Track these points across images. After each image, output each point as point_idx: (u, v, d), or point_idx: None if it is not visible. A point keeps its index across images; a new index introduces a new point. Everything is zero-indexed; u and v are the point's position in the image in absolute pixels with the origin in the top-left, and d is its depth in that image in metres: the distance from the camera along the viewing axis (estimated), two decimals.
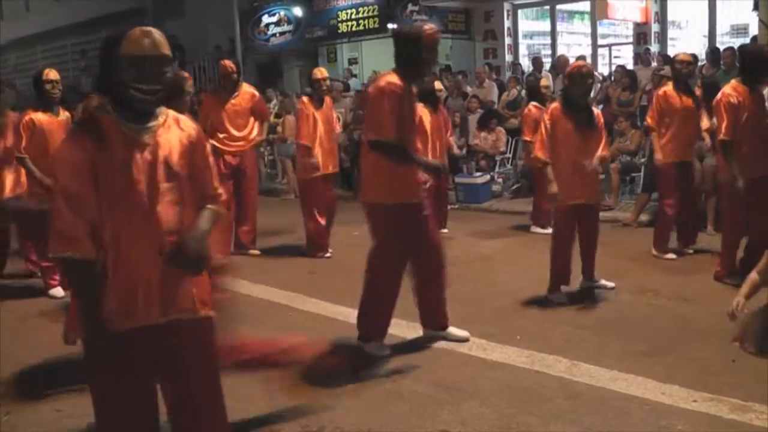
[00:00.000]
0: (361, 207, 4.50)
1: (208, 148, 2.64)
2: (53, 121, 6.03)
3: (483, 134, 10.74)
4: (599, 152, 5.30)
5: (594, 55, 14.27)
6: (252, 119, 7.17)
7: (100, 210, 2.34)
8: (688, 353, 4.28)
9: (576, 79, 5.20)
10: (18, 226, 6.49)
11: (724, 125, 5.43)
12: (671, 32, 13.78)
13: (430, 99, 7.17)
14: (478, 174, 10.19)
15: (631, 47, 13.85)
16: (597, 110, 5.53)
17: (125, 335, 2.38)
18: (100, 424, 2.53)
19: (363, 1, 15.94)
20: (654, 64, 11.50)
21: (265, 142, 10.92)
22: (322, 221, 7.15)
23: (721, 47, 10.91)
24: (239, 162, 7.07)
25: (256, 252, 7.33)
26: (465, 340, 4.59)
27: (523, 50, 15.61)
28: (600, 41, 14.45)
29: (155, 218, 2.39)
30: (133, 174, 2.36)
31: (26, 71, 27.11)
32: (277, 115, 12.41)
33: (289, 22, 17.50)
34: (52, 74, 6.06)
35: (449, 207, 8.59)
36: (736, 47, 10.02)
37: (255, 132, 7.21)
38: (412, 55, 4.22)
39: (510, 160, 10.91)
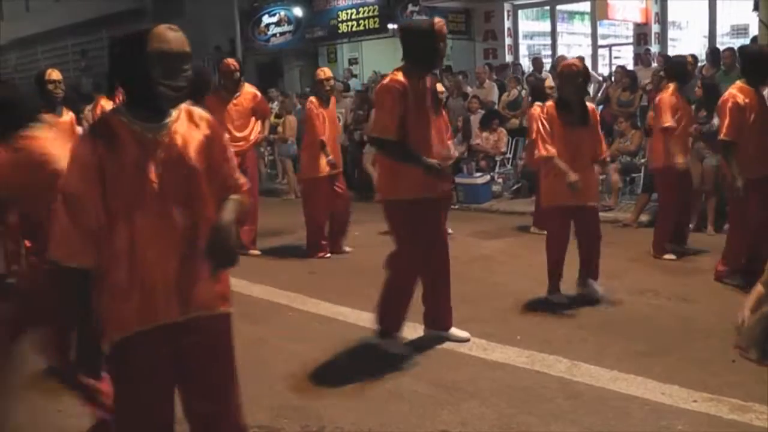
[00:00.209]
0: (361, 207, 4.50)
1: (225, 138, 2.59)
2: (57, 122, 6.03)
3: (484, 134, 10.75)
4: (600, 156, 5.29)
5: (594, 56, 14.28)
6: (253, 119, 7.18)
7: (111, 213, 2.31)
8: (688, 353, 4.28)
9: (566, 78, 5.16)
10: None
11: (725, 125, 5.41)
12: (671, 33, 13.78)
13: (434, 100, 7.17)
14: (479, 174, 10.19)
15: (631, 48, 13.86)
16: (592, 106, 5.43)
17: (143, 336, 2.37)
18: (119, 425, 2.53)
19: (363, 2, 15.96)
20: (654, 64, 11.50)
21: (265, 141, 10.94)
22: (325, 221, 7.16)
23: (721, 48, 10.91)
24: (240, 162, 7.02)
25: (257, 252, 7.33)
26: (466, 340, 4.60)
27: (523, 50, 15.61)
28: (600, 42, 14.46)
29: (173, 216, 2.37)
30: (148, 173, 2.33)
31: (26, 71, 27.14)
32: (278, 115, 12.41)
33: (289, 22, 17.52)
34: (54, 74, 6.06)
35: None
36: (736, 48, 10.04)
37: (256, 132, 7.22)
38: (426, 48, 4.22)
39: (510, 161, 10.92)
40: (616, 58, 14.38)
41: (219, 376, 2.57)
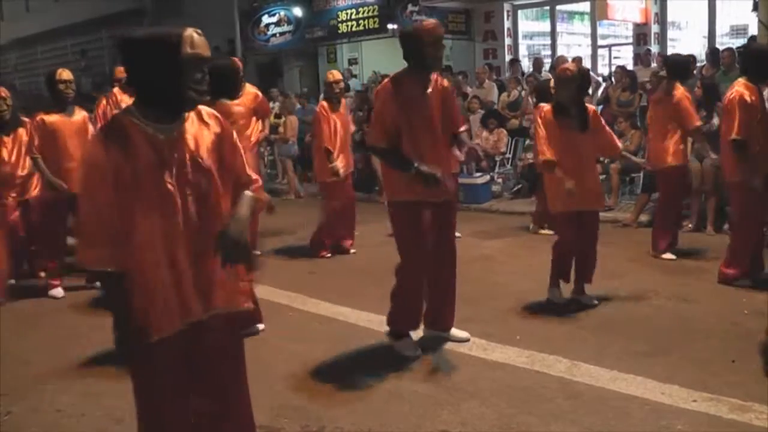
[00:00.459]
0: (365, 207, 4.51)
1: (235, 136, 2.59)
2: (66, 122, 6.04)
3: (484, 134, 10.75)
4: (614, 154, 5.25)
5: (594, 56, 14.29)
6: (254, 119, 7.18)
7: (128, 215, 2.32)
8: (688, 353, 4.28)
9: (561, 83, 5.09)
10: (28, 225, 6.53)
11: (737, 124, 5.34)
12: (671, 33, 13.79)
13: (442, 102, 7.24)
14: (479, 174, 10.19)
15: (630, 48, 13.87)
16: (592, 107, 5.34)
17: (163, 340, 2.38)
18: (141, 419, 2.53)
19: (363, 2, 15.95)
20: (654, 65, 11.51)
21: (265, 141, 10.93)
22: (337, 222, 7.21)
23: (721, 48, 10.91)
24: None
25: (257, 252, 7.33)
26: (465, 340, 4.60)
27: (523, 51, 15.61)
28: (600, 42, 14.46)
29: (189, 216, 2.39)
30: (162, 174, 2.35)
31: (26, 71, 27.20)
32: (277, 116, 12.41)
33: (289, 22, 17.51)
34: (65, 74, 6.08)
35: None
36: (735, 48, 10.05)
37: (256, 132, 7.21)
38: (417, 52, 4.19)
39: (510, 161, 10.92)
40: (615, 58, 14.39)
41: (230, 374, 2.59)
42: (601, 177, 9.03)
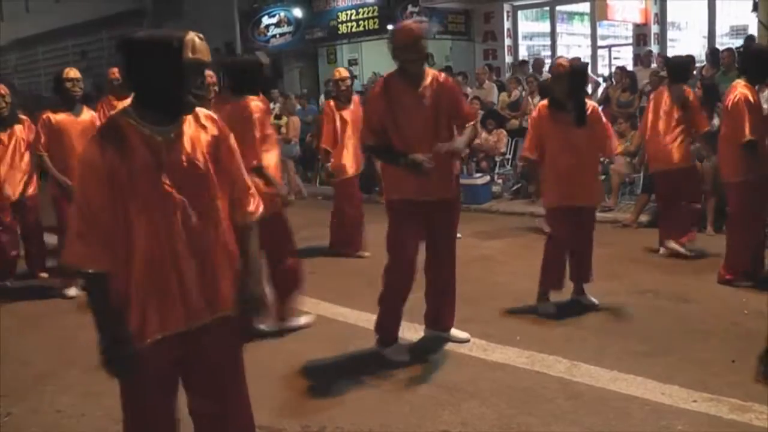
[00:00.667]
0: (367, 208, 4.50)
1: (232, 141, 2.57)
2: (73, 121, 6.04)
3: (484, 135, 10.75)
4: (609, 154, 5.20)
5: (594, 56, 14.29)
6: None
7: (125, 218, 2.30)
8: (688, 353, 4.28)
9: (554, 78, 5.08)
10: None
11: (747, 125, 5.32)
12: (671, 33, 13.79)
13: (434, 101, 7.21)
14: (478, 175, 10.20)
15: (630, 48, 13.87)
16: (593, 104, 5.24)
17: (158, 343, 2.37)
18: (127, 423, 2.52)
19: (363, 2, 15.97)
20: (654, 65, 11.51)
21: None
22: (350, 221, 7.21)
23: (721, 48, 10.92)
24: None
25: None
26: (466, 341, 4.59)
27: (522, 51, 15.62)
28: (600, 42, 14.46)
29: (187, 218, 2.38)
30: (159, 177, 2.34)
31: (26, 72, 27.20)
32: (277, 116, 12.41)
33: (289, 23, 17.52)
34: (72, 73, 6.09)
35: None
36: (735, 48, 10.05)
37: None
38: (393, 55, 4.20)
39: (510, 161, 10.92)
40: (615, 58, 14.39)
41: (230, 375, 2.59)
42: (602, 177, 9.11)
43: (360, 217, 7.25)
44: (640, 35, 13.49)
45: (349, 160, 7.04)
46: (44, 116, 6.07)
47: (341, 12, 16.40)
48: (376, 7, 15.67)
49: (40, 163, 6.15)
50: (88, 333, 2.35)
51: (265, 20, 17.89)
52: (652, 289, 5.65)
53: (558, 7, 14.96)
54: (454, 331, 4.64)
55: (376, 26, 15.51)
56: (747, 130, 5.33)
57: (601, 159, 8.95)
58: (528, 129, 5.25)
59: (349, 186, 7.18)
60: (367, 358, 4.43)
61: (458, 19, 15.50)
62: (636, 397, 3.74)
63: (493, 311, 5.23)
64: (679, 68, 6.68)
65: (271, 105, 12.06)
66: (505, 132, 10.80)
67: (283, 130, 12.13)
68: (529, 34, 15.86)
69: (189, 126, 2.43)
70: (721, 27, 13.14)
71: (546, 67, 12.76)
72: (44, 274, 6.61)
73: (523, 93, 11.29)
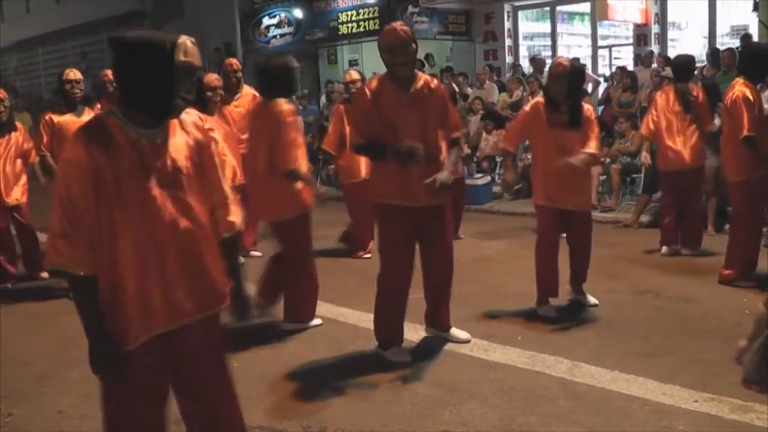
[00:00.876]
0: None
1: (213, 147, 2.59)
2: (76, 122, 6.04)
3: (483, 135, 10.75)
4: (585, 149, 4.89)
5: (594, 56, 14.29)
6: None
7: (109, 220, 2.28)
8: (689, 354, 4.28)
9: (553, 77, 4.98)
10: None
11: (745, 122, 5.33)
12: (671, 33, 13.80)
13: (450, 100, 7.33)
14: (479, 175, 10.19)
15: (631, 48, 13.87)
16: (588, 107, 5.14)
17: (144, 345, 2.36)
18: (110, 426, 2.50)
19: (363, 3, 15.97)
20: (654, 65, 11.52)
21: None
22: (362, 224, 7.21)
23: (721, 48, 10.92)
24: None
25: (258, 254, 7.32)
26: (466, 341, 4.59)
27: (523, 51, 15.62)
28: (600, 42, 14.47)
29: (174, 220, 2.37)
30: (146, 179, 2.32)
31: (27, 73, 27.21)
32: None
33: (289, 23, 17.53)
34: (72, 74, 6.13)
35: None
36: (735, 48, 10.05)
37: None
38: (381, 58, 4.17)
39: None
40: (616, 58, 14.40)
41: (218, 376, 2.58)
42: (602, 177, 9.12)
43: (370, 220, 7.26)
44: (641, 35, 13.49)
45: (362, 163, 7.03)
46: (46, 117, 6.16)
47: (342, 13, 16.41)
48: (376, 8, 15.68)
49: (43, 163, 6.19)
50: None
51: (266, 21, 17.90)
52: (653, 289, 5.65)
53: (558, 8, 14.98)
54: (455, 331, 4.64)
55: (377, 27, 15.50)
56: (745, 126, 5.34)
57: (602, 159, 9.08)
58: (515, 120, 5.19)
59: (362, 189, 7.15)
60: (367, 358, 4.43)
61: (459, 20, 15.51)
62: (637, 397, 3.74)
63: (494, 312, 5.23)
64: (685, 67, 6.69)
65: None
66: (505, 133, 10.79)
67: None
68: (529, 34, 15.87)
69: (174, 129, 2.43)
70: (722, 27, 13.14)
71: (547, 68, 12.79)
72: (45, 275, 6.62)
73: (524, 93, 11.29)
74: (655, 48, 13.12)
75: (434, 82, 4.31)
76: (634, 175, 9.23)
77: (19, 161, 6.41)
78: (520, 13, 15.51)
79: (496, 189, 10.37)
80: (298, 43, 17.35)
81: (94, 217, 2.26)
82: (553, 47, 14.96)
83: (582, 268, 5.26)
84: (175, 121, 2.44)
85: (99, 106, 7.09)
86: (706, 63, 10.71)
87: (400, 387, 4.01)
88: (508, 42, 15.29)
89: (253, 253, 7.25)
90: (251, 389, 3.97)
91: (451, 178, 4.18)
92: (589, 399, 3.75)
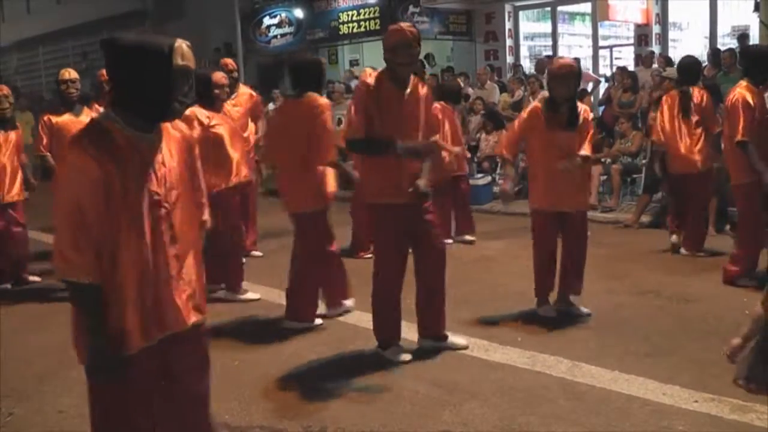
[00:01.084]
0: None
1: (197, 151, 2.59)
2: (74, 122, 6.05)
3: (484, 136, 10.75)
4: (580, 151, 4.85)
5: (595, 57, 14.31)
6: (249, 120, 7.18)
7: (115, 228, 2.25)
8: (690, 354, 4.28)
9: (561, 78, 4.79)
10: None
11: (741, 126, 5.33)
12: (672, 34, 13.80)
13: (454, 98, 7.53)
14: (480, 175, 10.19)
15: (631, 48, 13.87)
16: (584, 107, 5.05)
17: (142, 352, 2.35)
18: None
19: (364, 3, 15.98)
20: (655, 65, 11.52)
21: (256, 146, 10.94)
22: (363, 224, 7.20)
23: (722, 49, 10.92)
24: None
25: (259, 254, 7.33)
26: (465, 347, 4.51)
27: (524, 51, 15.63)
28: (601, 42, 14.48)
29: (171, 224, 2.37)
30: (150, 183, 2.32)
31: (27, 73, 27.22)
32: None
33: (290, 23, 17.53)
34: (67, 74, 6.15)
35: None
36: (736, 49, 10.05)
37: (253, 134, 7.21)
38: (384, 56, 4.17)
39: None
40: (616, 59, 14.40)
41: (203, 383, 2.59)
42: (603, 177, 9.12)
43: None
44: (642, 35, 13.50)
45: None
46: (45, 118, 6.18)
47: (342, 12, 16.41)
48: (377, 8, 15.68)
49: (42, 163, 6.20)
50: None
51: (266, 21, 17.91)
52: (653, 289, 5.65)
53: (559, 8, 14.99)
54: (453, 338, 4.54)
55: (377, 27, 15.52)
56: (740, 131, 5.34)
57: (603, 159, 9.08)
58: (512, 126, 5.16)
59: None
60: (367, 358, 4.43)
61: (460, 20, 15.52)
62: (637, 397, 3.74)
63: (494, 311, 5.23)
64: (689, 69, 6.70)
65: (272, 106, 12.08)
66: (505, 132, 10.78)
67: None
68: (530, 34, 15.88)
69: (166, 134, 2.43)
70: (723, 27, 13.15)
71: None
72: (35, 278, 6.61)
73: (525, 93, 11.29)
74: (655, 48, 13.12)
75: (424, 88, 4.34)
76: (635, 176, 9.23)
77: (17, 159, 6.41)
78: (521, 13, 15.52)
79: (496, 189, 10.36)
80: (299, 43, 17.36)
81: (104, 227, 2.24)
82: (554, 47, 14.96)
83: (573, 276, 5.10)
84: (166, 125, 2.44)
85: (97, 106, 7.09)
86: (707, 63, 10.71)
87: (400, 387, 4.01)
88: (509, 42, 15.30)
89: (254, 253, 7.26)
90: (251, 389, 3.98)
91: (429, 184, 4.26)
92: (589, 399, 3.75)
